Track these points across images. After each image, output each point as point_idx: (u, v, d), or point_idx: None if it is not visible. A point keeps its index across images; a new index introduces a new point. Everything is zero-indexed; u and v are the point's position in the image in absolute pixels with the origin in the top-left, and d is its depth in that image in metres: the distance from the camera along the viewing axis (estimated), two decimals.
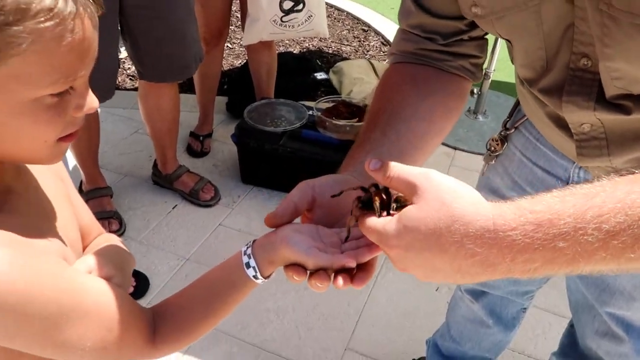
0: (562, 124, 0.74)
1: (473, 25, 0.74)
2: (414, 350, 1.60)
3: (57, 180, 0.65)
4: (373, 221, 0.51)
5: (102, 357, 0.57)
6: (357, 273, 0.54)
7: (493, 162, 1.01)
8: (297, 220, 0.60)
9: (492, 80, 2.72)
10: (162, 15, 1.74)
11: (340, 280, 0.53)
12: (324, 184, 0.61)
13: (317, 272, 0.53)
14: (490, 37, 0.78)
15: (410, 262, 0.49)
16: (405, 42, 0.79)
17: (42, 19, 0.42)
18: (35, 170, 0.60)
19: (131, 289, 1.88)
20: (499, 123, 1.00)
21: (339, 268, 0.53)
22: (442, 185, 0.48)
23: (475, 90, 2.75)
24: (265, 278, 0.58)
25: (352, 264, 0.53)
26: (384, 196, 0.52)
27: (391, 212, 0.51)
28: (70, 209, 0.66)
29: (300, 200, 0.59)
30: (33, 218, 0.56)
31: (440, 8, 0.73)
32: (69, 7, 0.44)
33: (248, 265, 0.57)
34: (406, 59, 0.79)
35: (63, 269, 0.53)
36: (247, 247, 0.58)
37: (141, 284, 1.74)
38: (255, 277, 0.57)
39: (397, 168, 0.51)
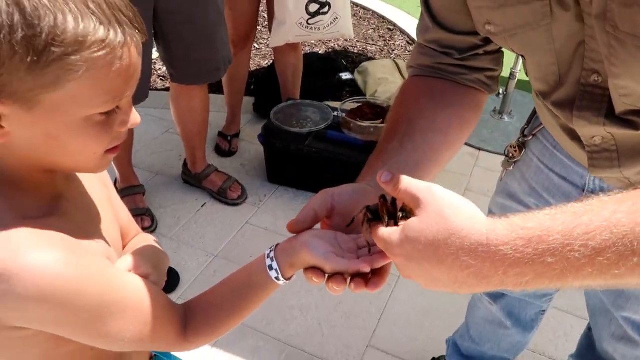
0: (575, 136, 0.76)
1: (488, 40, 0.77)
2: (434, 349, 1.63)
3: (101, 185, 0.71)
4: (381, 230, 0.55)
5: (140, 348, 0.63)
6: (371, 278, 0.58)
7: (511, 168, 1.04)
8: (318, 226, 0.64)
9: (518, 80, 2.71)
10: (194, 20, 1.80)
11: (353, 285, 0.57)
12: (343, 193, 0.65)
13: (334, 276, 0.58)
14: None
15: (412, 271, 0.52)
16: (423, 56, 0.83)
17: (96, 49, 0.48)
18: (82, 176, 0.66)
19: (163, 284, 1.94)
20: (524, 123, 1.02)
21: (355, 272, 0.57)
22: (444, 200, 0.51)
23: (501, 91, 2.75)
24: (286, 280, 0.62)
25: (367, 269, 0.56)
26: (391, 206, 0.56)
27: (399, 222, 0.55)
28: (112, 211, 0.72)
29: (320, 208, 0.63)
30: (81, 221, 0.62)
31: (456, 24, 0.76)
32: (118, 38, 0.49)
33: (271, 268, 0.61)
34: (424, 72, 0.82)
35: (107, 268, 0.59)
36: (270, 251, 0.62)
37: (172, 279, 1.81)
38: (277, 278, 0.61)
39: (405, 181, 0.55)
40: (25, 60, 0.45)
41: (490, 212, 1.16)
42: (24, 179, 0.55)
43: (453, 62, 0.80)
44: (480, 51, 0.79)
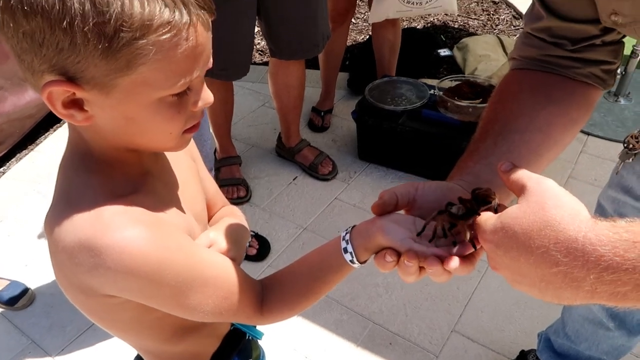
0: None
1: (607, 30, 0.69)
2: (523, 341, 1.57)
3: (188, 160, 0.74)
4: (481, 215, 0.53)
5: (219, 320, 0.66)
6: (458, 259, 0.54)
7: (630, 160, 0.94)
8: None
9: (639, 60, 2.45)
10: None
11: (427, 262, 0.53)
12: (427, 188, 0.62)
13: (406, 252, 0.55)
14: None
15: (500, 259, 0.50)
16: (528, 47, 0.75)
17: (162, 31, 0.48)
18: (170, 152, 0.68)
19: (254, 252, 2.04)
20: None
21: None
22: (548, 192, 0.48)
23: (619, 70, 2.49)
24: (361, 263, 0.61)
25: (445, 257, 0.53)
26: (471, 202, 0.54)
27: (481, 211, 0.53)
28: (198, 185, 0.75)
29: (402, 196, 0.61)
30: (166, 197, 0.65)
31: (573, 11, 0.69)
32: (184, 19, 0.49)
33: (345, 250, 0.60)
34: (528, 65, 0.75)
35: (188, 245, 0.62)
36: (346, 233, 0.62)
37: (264, 247, 1.89)
38: (352, 261, 0.61)
39: (519, 171, 0.53)
40: (98, 47, 0.47)
41: (600, 206, 1.07)
42: (114, 158, 0.59)
43: (564, 54, 0.72)
44: (598, 41, 0.70)
